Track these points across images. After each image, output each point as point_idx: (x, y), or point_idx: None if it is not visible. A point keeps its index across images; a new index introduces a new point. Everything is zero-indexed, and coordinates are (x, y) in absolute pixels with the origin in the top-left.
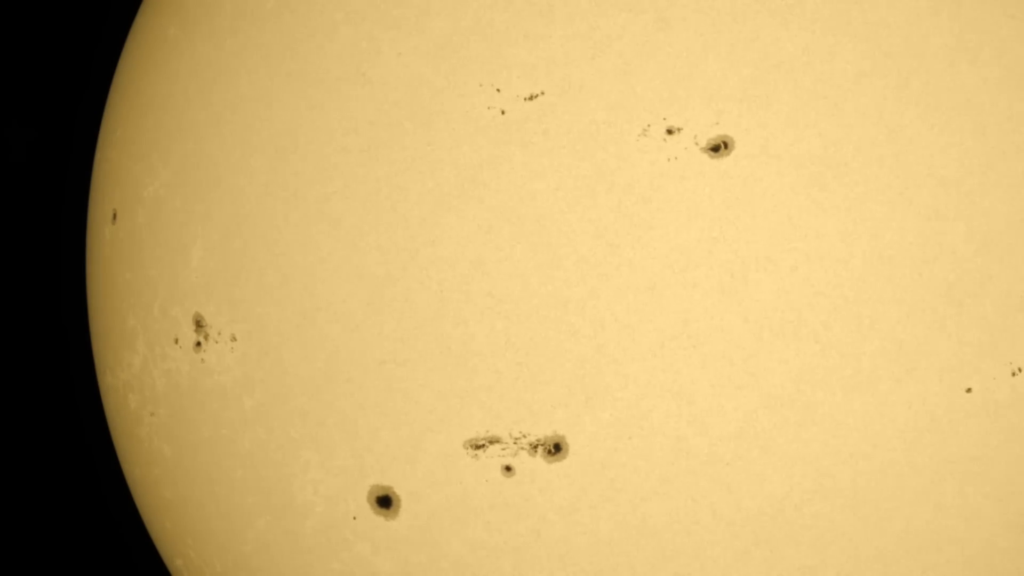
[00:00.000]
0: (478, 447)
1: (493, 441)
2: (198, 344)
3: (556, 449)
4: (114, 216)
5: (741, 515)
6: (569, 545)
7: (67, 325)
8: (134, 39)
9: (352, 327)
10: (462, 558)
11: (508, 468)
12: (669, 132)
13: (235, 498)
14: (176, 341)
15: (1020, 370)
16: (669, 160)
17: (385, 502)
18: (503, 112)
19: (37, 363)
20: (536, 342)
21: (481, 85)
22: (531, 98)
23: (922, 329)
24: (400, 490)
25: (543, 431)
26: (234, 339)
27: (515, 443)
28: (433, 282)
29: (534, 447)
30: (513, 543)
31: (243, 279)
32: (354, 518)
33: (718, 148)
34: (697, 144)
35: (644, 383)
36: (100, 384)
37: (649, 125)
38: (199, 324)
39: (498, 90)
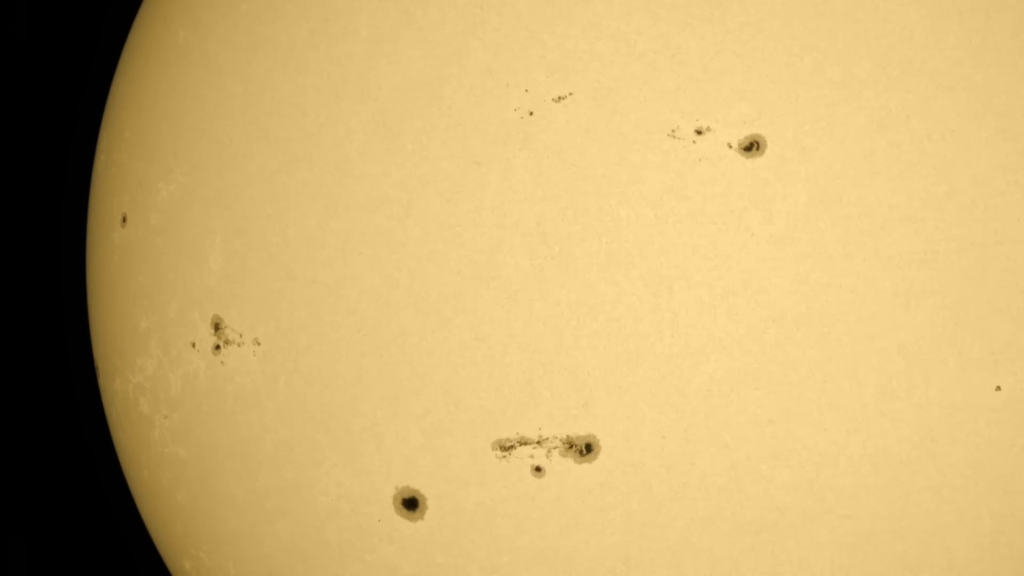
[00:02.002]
0: (507, 448)
1: (523, 442)
2: (217, 347)
3: (587, 450)
4: (124, 219)
5: (776, 514)
6: (601, 547)
7: (67, 330)
8: (138, 41)
9: (378, 328)
10: (489, 561)
11: (538, 469)
12: (698, 132)
13: (255, 500)
14: (193, 345)
15: None
16: (700, 160)
17: (411, 504)
18: (531, 113)
19: (37, 367)
20: (567, 341)
21: (508, 86)
22: (559, 99)
23: (952, 325)
24: (427, 492)
25: (574, 431)
26: (257, 343)
27: (543, 444)
28: (461, 282)
29: (567, 447)
30: (543, 545)
31: (267, 282)
32: (379, 520)
33: (750, 148)
34: (729, 145)
35: (677, 383)
36: (104, 388)
37: (678, 126)
38: (218, 327)
39: (526, 91)
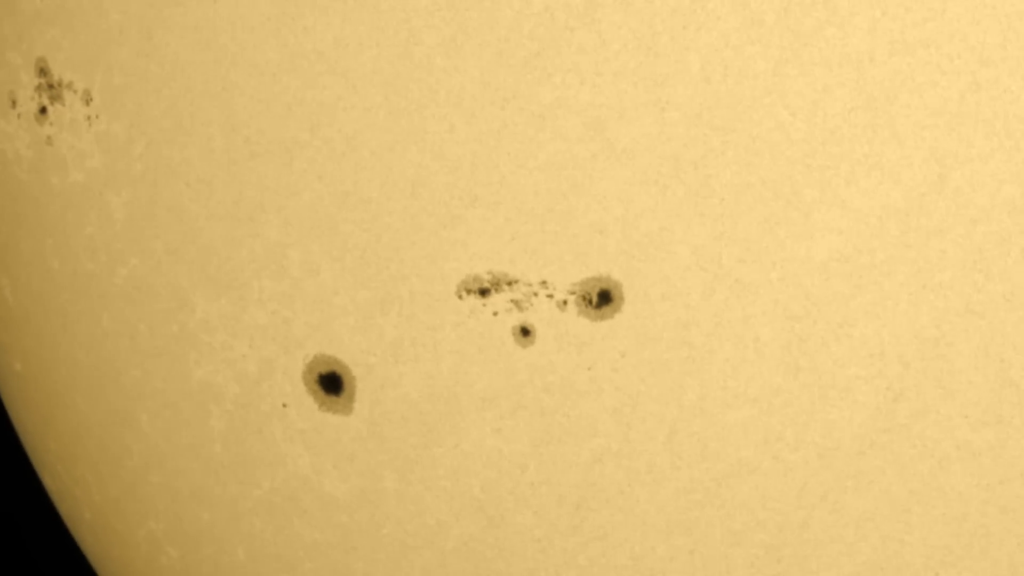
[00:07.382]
0: (480, 292)
1: (503, 282)
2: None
3: (603, 299)
4: None
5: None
6: (623, 442)
7: None
8: None
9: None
10: (449, 472)
11: (525, 331)
12: None
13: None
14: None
15: None
16: None
17: (332, 384)
18: None
19: None
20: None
21: None
22: None
23: None
24: (355, 366)
25: (583, 271)
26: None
27: (537, 288)
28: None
29: (584, 297)
30: (531, 452)
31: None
32: (284, 405)
33: None
34: None
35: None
36: None
37: None
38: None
39: None
